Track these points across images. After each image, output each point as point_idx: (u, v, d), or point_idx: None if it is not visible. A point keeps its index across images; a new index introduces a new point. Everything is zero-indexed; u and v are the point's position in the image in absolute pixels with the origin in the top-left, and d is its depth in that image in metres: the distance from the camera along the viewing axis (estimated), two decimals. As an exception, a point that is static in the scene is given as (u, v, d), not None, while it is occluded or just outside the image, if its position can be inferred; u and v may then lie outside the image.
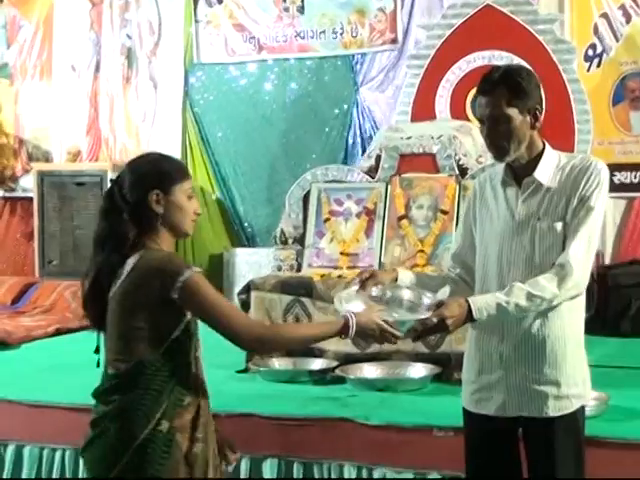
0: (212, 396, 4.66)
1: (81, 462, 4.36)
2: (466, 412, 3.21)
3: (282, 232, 5.98)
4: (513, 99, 2.91)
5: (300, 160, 9.12)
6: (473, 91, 7.69)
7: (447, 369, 5.07)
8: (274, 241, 6.04)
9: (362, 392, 4.85)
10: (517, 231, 2.98)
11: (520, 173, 3.01)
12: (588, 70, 8.23)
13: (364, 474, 4.19)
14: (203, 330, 7.39)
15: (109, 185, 2.94)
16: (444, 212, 5.65)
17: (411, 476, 4.10)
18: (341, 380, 5.05)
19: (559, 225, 2.95)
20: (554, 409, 2.99)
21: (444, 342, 5.14)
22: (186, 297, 2.79)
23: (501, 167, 3.07)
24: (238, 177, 9.66)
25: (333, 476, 4.23)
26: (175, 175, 2.90)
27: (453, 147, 5.83)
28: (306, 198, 6.05)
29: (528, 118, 2.96)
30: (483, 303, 2.87)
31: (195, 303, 2.83)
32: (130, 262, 2.83)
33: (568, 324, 3.01)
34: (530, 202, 2.98)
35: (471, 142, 5.99)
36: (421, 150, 5.90)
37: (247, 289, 5.62)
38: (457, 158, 5.81)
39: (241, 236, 9.69)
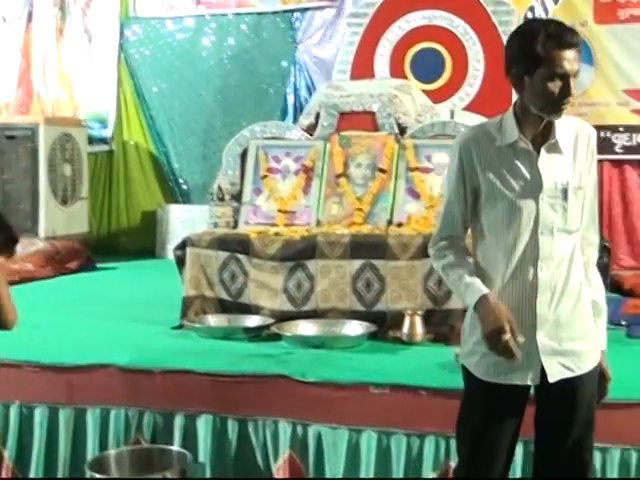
0: (146, 352, 4.69)
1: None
2: (479, 381, 3.01)
3: (219, 188, 5.91)
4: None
5: (237, 117, 9.06)
6: (413, 49, 7.74)
7: (383, 327, 5.09)
8: (211, 197, 5.97)
9: (298, 349, 4.82)
10: (547, 197, 2.90)
11: (537, 135, 2.93)
12: (527, 33, 8.25)
13: (299, 431, 4.18)
14: (137, 286, 7.36)
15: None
16: (383, 171, 5.63)
17: (346, 432, 4.10)
18: (277, 337, 5.02)
19: (581, 192, 2.95)
20: (589, 363, 3.00)
21: (380, 300, 5.16)
22: None
23: (493, 127, 2.98)
24: (174, 133, 9.58)
25: (267, 433, 4.22)
26: None
27: (393, 106, 5.80)
28: (244, 155, 5.99)
29: None
30: None
31: None
32: None
33: (583, 277, 3.01)
34: (553, 166, 2.92)
35: (411, 101, 5.97)
36: (361, 108, 5.85)
37: (183, 245, 5.56)
38: (397, 117, 5.78)
39: (175, 193, 9.64)
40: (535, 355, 2.94)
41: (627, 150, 8.15)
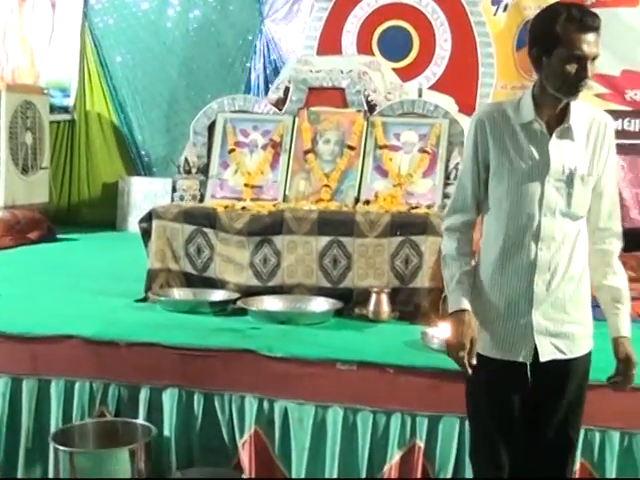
0: (111, 324, 4.65)
1: None
2: (479, 355, 3.04)
3: (186, 161, 5.84)
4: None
5: (201, 90, 9.01)
6: (381, 27, 7.72)
7: (349, 304, 5.09)
8: (178, 170, 5.91)
9: (264, 324, 4.80)
10: (554, 180, 2.95)
11: (552, 117, 2.97)
12: (495, 14, 8.27)
13: (265, 406, 4.17)
14: (99, 258, 7.30)
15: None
16: (351, 148, 5.61)
17: (312, 408, 4.10)
18: (242, 312, 5.00)
19: (590, 180, 2.98)
20: (582, 348, 3.05)
21: (346, 277, 5.16)
22: None
23: (511, 106, 3.03)
24: (137, 104, 9.49)
25: (234, 408, 4.21)
26: None
27: (362, 83, 5.77)
28: (211, 127, 5.92)
29: None
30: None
31: None
32: None
33: (586, 263, 3.06)
34: (563, 150, 2.96)
35: (380, 78, 5.94)
36: (330, 84, 5.81)
37: (149, 217, 5.50)
38: (366, 94, 5.76)
39: (137, 165, 9.55)
40: (530, 334, 3.01)
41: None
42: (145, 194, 9.06)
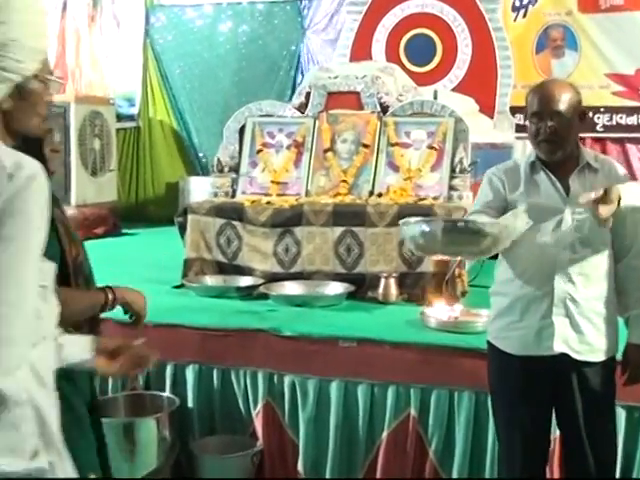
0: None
1: None
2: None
3: (219, 161, 5.93)
4: None
5: (251, 97, 8.95)
6: (407, 35, 7.72)
7: (361, 288, 5.12)
8: (212, 169, 6.00)
9: (282, 307, 4.85)
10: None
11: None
12: (515, 20, 8.20)
13: (276, 380, 4.23)
14: (154, 250, 7.33)
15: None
16: (366, 146, 5.62)
17: (317, 382, 4.14)
18: (265, 296, 5.05)
19: None
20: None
21: (359, 264, 5.18)
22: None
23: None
24: (194, 111, 9.63)
25: (248, 382, 4.28)
26: None
27: (376, 86, 5.77)
28: (242, 130, 5.99)
29: None
30: None
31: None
32: None
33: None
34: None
35: (393, 82, 5.94)
36: (346, 89, 5.83)
37: (184, 212, 5.61)
38: (379, 96, 5.76)
39: (196, 166, 9.67)
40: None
41: (607, 129, 8.17)
42: (203, 192, 9.12)
